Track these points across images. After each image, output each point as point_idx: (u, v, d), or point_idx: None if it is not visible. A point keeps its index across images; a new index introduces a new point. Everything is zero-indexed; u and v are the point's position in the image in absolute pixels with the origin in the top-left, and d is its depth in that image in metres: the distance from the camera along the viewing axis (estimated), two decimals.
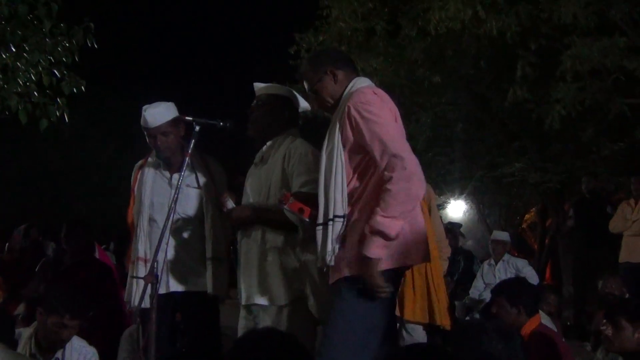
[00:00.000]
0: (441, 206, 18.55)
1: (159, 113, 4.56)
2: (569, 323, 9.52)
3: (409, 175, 3.26)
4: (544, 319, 5.16)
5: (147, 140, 4.65)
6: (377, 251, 3.28)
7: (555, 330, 5.46)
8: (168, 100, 4.69)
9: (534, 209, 16.31)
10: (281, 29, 12.61)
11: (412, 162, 3.27)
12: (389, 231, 3.26)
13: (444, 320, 5.91)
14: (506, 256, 8.79)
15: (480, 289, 8.74)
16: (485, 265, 8.94)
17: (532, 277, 8.37)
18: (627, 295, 7.07)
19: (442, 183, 14.55)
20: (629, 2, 8.28)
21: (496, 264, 8.74)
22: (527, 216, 17.90)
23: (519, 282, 5.24)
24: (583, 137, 9.79)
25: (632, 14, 8.36)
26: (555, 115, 8.74)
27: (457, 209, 19.33)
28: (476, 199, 16.93)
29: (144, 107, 4.57)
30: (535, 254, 14.82)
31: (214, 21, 22.63)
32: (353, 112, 3.41)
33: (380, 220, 3.25)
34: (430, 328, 5.87)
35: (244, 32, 21.40)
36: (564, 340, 5.17)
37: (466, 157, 12.87)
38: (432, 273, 5.95)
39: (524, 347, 3.49)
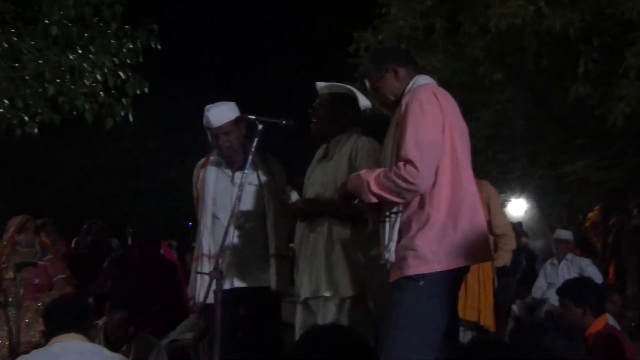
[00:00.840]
0: (502, 205, 18.37)
1: (221, 113, 4.61)
2: (633, 324, 9.34)
3: (409, 186, 3.34)
4: (610, 319, 5.08)
5: (210, 140, 4.72)
6: (352, 184, 3.54)
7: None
8: (227, 100, 4.75)
9: (597, 207, 16.02)
10: (340, 28, 12.61)
11: (419, 177, 3.32)
12: (361, 188, 3.47)
13: (489, 321, 5.89)
14: (569, 255, 8.65)
15: (543, 289, 8.62)
16: (548, 264, 8.80)
17: (596, 276, 8.23)
18: None
19: (502, 181, 14.39)
20: None
21: (559, 263, 8.62)
22: (590, 214, 17.55)
23: (584, 282, 5.16)
24: None
25: None
26: (618, 112, 8.59)
27: (518, 208, 19.10)
28: (538, 197, 16.70)
29: (207, 107, 4.62)
30: (598, 253, 14.56)
31: (273, 20, 22.73)
32: (403, 107, 3.45)
33: (367, 178, 3.44)
34: (474, 328, 5.86)
35: (303, 31, 21.45)
36: (629, 341, 5.07)
37: (527, 155, 12.71)
38: (483, 274, 5.94)
39: (590, 348, 3.45)
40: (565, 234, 9.07)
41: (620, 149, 10.82)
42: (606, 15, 8.79)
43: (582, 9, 8.80)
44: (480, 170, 13.22)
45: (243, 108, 4.74)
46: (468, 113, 11.32)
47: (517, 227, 17.40)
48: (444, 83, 10.94)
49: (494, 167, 12.91)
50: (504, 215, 6.42)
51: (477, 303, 5.82)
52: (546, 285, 8.60)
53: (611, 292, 6.74)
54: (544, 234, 16.59)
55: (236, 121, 4.63)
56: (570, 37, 9.02)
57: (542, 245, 15.78)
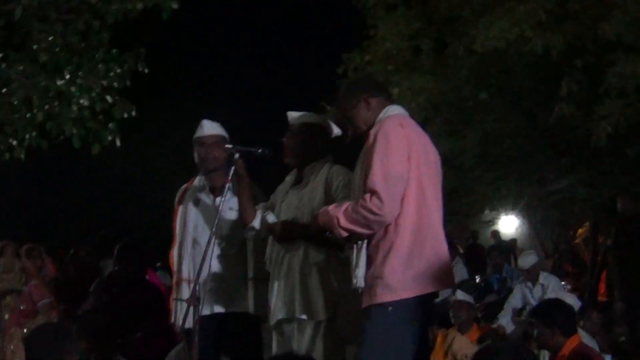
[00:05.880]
0: (491, 222, 18.49)
1: (215, 125, 4.87)
2: (622, 339, 9.37)
3: (375, 217, 3.43)
4: (584, 338, 5.16)
5: (196, 152, 4.87)
6: (322, 220, 3.67)
7: (597, 349, 5.45)
8: (220, 120, 4.97)
9: (587, 223, 16.11)
10: (329, 49, 12.75)
11: (384, 208, 3.41)
12: (331, 223, 3.57)
13: None
14: (541, 277, 8.56)
15: (515, 306, 8.53)
16: (523, 286, 8.69)
17: (562, 296, 8.24)
18: None
19: (492, 199, 14.46)
20: None
21: (534, 286, 8.55)
22: (580, 231, 17.67)
23: (554, 303, 5.23)
24: (630, 153, 9.66)
25: None
26: (601, 131, 8.67)
27: (509, 225, 19.21)
28: (528, 214, 16.77)
29: (202, 121, 4.86)
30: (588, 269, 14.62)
31: (259, 43, 22.88)
32: (372, 138, 3.55)
33: (336, 214, 3.54)
34: None
35: (292, 52, 21.64)
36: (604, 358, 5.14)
37: (516, 173, 12.76)
38: None
39: None
40: (527, 262, 8.80)
41: (605, 167, 10.89)
42: (587, 37, 8.89)
43: (564, 31, 8.90)
44: (469, 189, 13.31)
45: (230, 132, 4.93)
46: (456, 132, 11.42)
47: (510, 244, 17.54)
48: (431, 103, 11.10)
49: (482, 186, 12.97)
50: None
51: None
52: (520, 305, 8.54)
53: (590, 311, 6.80)
54: (535, 250, 16.67)
55: (224, 140, 4.78)
56: (553, 59, 9.12)
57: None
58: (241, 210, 4.46)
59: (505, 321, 8.23)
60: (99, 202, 20.92)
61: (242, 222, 4.48)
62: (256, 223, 4.41)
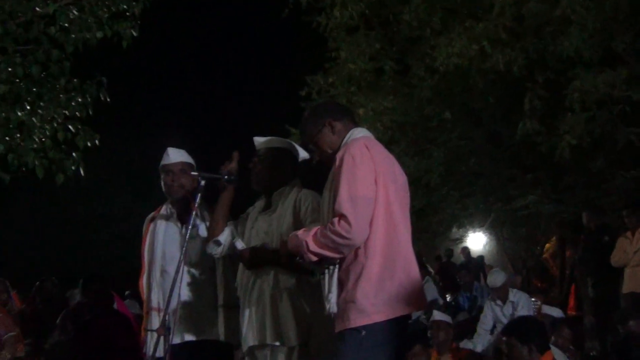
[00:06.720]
0: (460, 240, 18.58)
1: (180, 152, 4.83)
2: (593, 353, 9.42)
3: (344, 241, 3.40)
4: (556, 354, 5.17)
5: (163, 180, 4.82)
6: (292, 244, 3.61)
7: None
8: (184, 147, 4.93)
9: (554, 237, 16.25)
10: (293, 72, 12.80)
11: (353, 231, 3.38)
12: (300, 248, 3.52)
13: None
14: (511, 294, 8.55)
15: (488, 328, 8.52)
16: (494, 304, 8.67)
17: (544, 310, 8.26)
18: None
19: (460, 216, 14.51)
20: (631, 33, 8.34)
21: (504, 303, 8.52)
22: (547, 245, 17.83)
23: (527, 320, 5.26)
24: (593, 167, 9.77)
25: (634, 44, 8.41)
26: (565, 146, 8.74)
27: (477, 242, 19.29)
28: (496, 231, 16.86)
29: (168, 148, 4.82)
30: (557, 283, 14.75)
31: (225, 67, 22.92)
32: (338, 161, 3.54)
33: (305, 239, 3.50)
34: None
35: (256, 76, 21.69)
36: None
37: (482, 190, 12.84)
38: None
39: None
40: (496, 281, 8.72)
41: (570, 182, 10.99)
42: (549, 52, 8.98)
43: (524, 47, 9.01)
44: (437, 207, 13.37)
45: (195, 156, 4.91)
46: (421, 151, 11.48)
47: (478, 261, 17.63)
48: (395, 123, 11.12)
49: (450, 204, 13.02)
50: None
51: None
52: (492, 325, 8.51)
53: (561, 326, 6.82)
54: (504, 266, 16.79)
55: (190, 167, 4.78)
56: (515, 75, 9.21)
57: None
58: (211, 222, 4.42)
59: (480, 347, 8.22)
60: (63, 232, 20.70)
61: (209, 235, 4.42)
62: (222, 237, 4.35)
